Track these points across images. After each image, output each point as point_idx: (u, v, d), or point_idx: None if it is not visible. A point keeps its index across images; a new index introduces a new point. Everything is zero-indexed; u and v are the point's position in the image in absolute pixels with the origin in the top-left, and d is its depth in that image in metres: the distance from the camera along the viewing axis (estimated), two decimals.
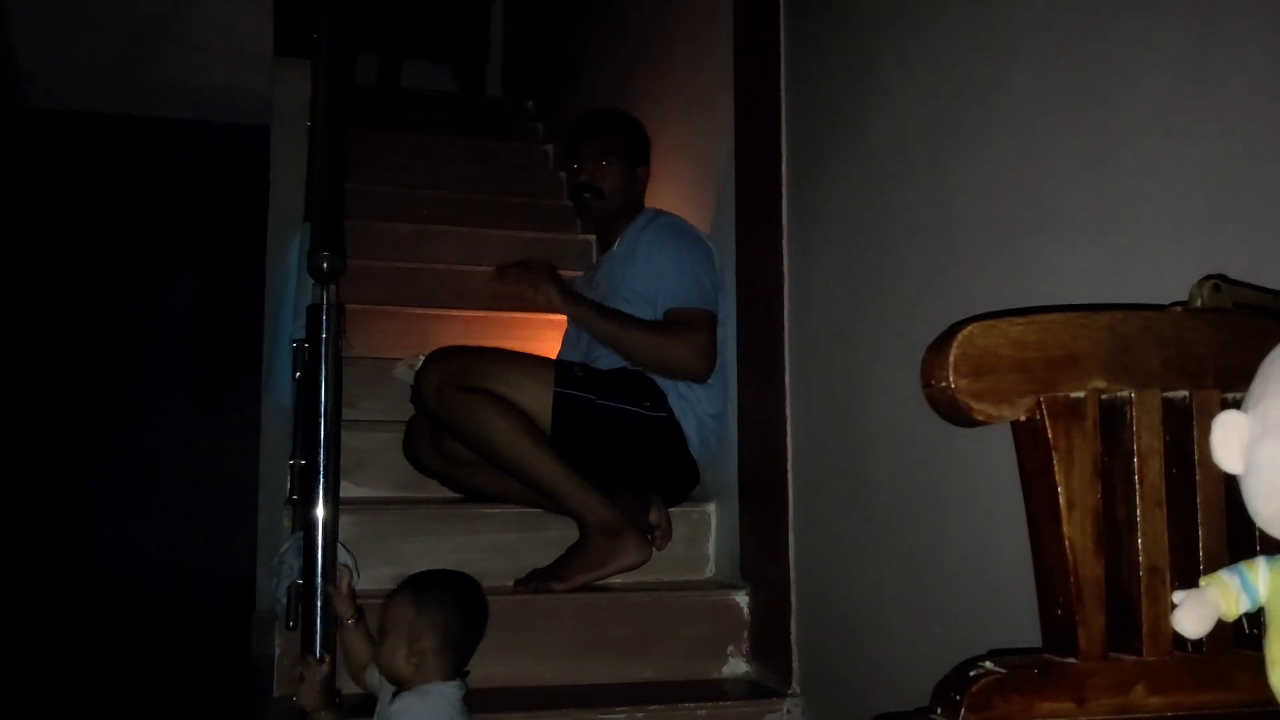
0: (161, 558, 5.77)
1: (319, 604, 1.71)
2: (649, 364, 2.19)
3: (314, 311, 1.78)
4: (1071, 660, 0.79)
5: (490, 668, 1.80)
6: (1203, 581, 0.76)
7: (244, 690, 3.08)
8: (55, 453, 5.58)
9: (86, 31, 3.96)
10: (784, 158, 2.04)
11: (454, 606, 1.62)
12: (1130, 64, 1.21)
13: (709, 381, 2.22)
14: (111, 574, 5.63)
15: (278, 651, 1.90)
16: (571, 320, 2.31)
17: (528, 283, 2.16)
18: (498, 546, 2.18)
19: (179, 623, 4.82)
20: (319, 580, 1.72)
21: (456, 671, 1.61)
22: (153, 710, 3.20)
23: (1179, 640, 0.80)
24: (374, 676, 1.68)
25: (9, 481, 4.40)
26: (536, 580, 2.07)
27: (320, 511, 1.73)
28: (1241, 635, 0.82)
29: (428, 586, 1.63)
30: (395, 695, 1.61)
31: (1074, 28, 1.30)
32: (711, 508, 2.31)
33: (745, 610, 2.10)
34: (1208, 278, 0.89)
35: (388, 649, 1.58)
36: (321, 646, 1.70)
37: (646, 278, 2.25)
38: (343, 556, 1.87)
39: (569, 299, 2.20)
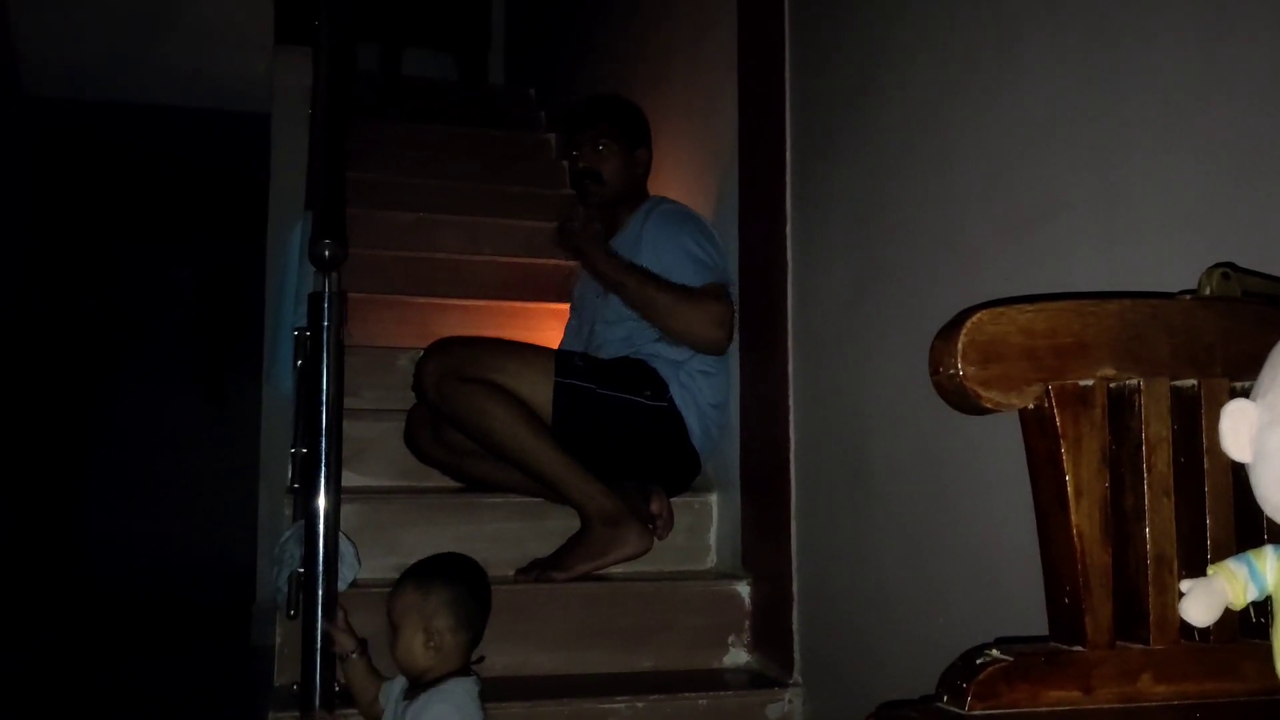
0: (161, 550, 5.77)
1: (320, 593, 1.71)
2: (672, 328, 2.19)
3: (315, 300, 1.78)
4: (1078, 649, 0.78)
5: (491, 656, 1.79)
6: (1210, 570, 0.76)
7: (245, 681, 3.09)
8: (53, 449, 5.58)
9: (86, 18, 3.96)
10: (788, 145, 2.04)
11: (457, 581, 1.62)
12: (1137, 52, 1.21)
13: (710, 371, 2.22)
14: (111, 568, 5.64)
15: (278, 641, 1.90)
16: (603, 280, 2.29)
17: (572, 250, 2.26)
18: (499, 536, 2.17)
19: (179, 615, 4.83)
20: (320, 569, 1.71)
21: (473, 647, 1.62)
22: (154, 704, 3.21)
23: (1186, 629, 0.80)
24: (385, 695, 1.67)
25: (7, 479, 4.40)
26: (538, 570, 2.07)
27: (322, 500, 1.73)
28: (1248, 624, 0.82)
29: (426, 570, 1.64)
30: (406, 692, 1.60)
31: (1081, 18, 1.29)
32: (713, 498, 2.31)
33: (747, 600, 2.10)
34: (1216, 266, 0.88)
35: (404, 642, 1.57)
36: (323, 633, 1.69)
37: (654, 267, 2.23)
38: (344, 546, 1.87)
39: (605, 260, 2.24)
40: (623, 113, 2.49)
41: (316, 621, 1.71)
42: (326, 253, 1.76)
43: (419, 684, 1.58)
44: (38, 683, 3.51)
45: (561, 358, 2.19)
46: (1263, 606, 0.77)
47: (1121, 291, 1.14)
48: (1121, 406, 0.81)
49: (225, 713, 2.96)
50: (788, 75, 2.05)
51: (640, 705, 1.86)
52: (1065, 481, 0.79)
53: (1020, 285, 1.35)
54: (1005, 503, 1.36)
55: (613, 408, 2.15)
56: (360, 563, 1.97)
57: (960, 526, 1.50)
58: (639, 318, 2.25)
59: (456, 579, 1.63)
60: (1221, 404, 0.73)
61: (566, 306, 2.63)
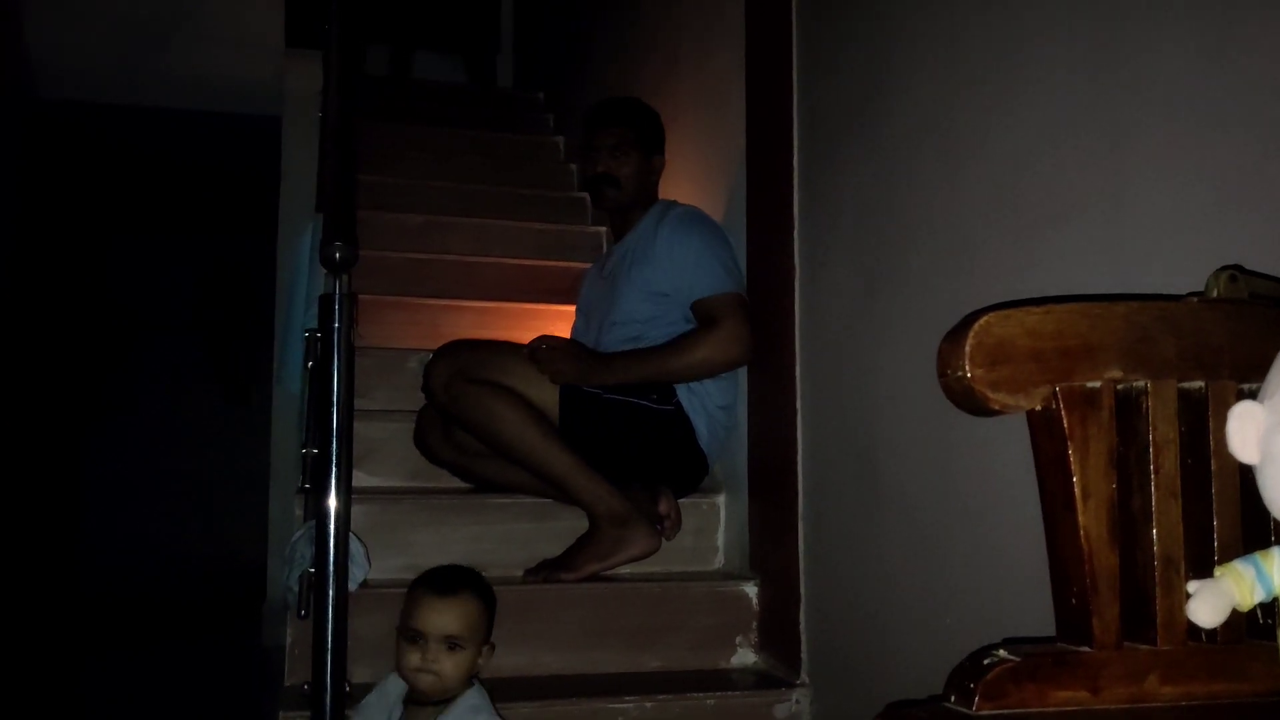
0: (172, 550, 5.79)
1: (331, 593, 1.71)
2: (693, 378, 2.17)
3: (326, 301, 1.79)
4: (1086, 649, 0.79)
5: (500, 657, 1.80)
6: (1217, 572, 0.76)
7: (256, 680, 3.10)
8: (63, 446, 5.60)
9: (98, 23, 3.98)
10: (795, 148, 2.04)
11: (493, 601, 1.64)
12: (1144, 57, 1.21)
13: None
14: (121, 567, 5.65)
15: (289, 641, 1.91)
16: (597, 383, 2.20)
17: (548, 367, 2.14)
18: (508, 537, 2.18)
19: (190, 614, 4.85)
20: (331, 569, 1.72)
21: None
22: (164, 703, 3.22)
23: (1193, 630, 0.80)
24: (379, 692, 1.64)
25: (14, 479, 4.42)
26: (546, 570, 2.08)
27: (332, 501, 1.73)
28: (1255, 626, 0.82)
29: (485, 586, 1.63)
30: (406, 699, 1.58)
31: (1088, 24, 1.30)
32: (721, 499, 2.31)
33: (754, 601, 2.11)
34: (1224, 268, 0.89)
35: (462, 659, 1.54)
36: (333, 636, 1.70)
37: (669, 274, 2.23)
38: (353, 546, 1.88)
39: (588, 373, 2.16)
40: (646, 119, 2.47)
41: (327, 621, 1.71)
42: (337, 255, 1.77)
43: (430, 700, 1.55)
44: (45, 681, 3.53)
45: None
46: (1270, 608, 0.77)
47: (1129, 294, 1.15)
48: (1129, 408, 0.82)
49: (235, 712, 2.98)
50: (795, 81, 2.05)
51: (648, 705, 1.86)
52: (1073, 483, 0.79)
53: (1028, 288, 1.35)
54: (1012, 503, 1.36)
55: (619, 411, 2.16)
56: (370, 563, 1.98)
57: (967, 527, 1.51)
58: (645, 319, 2.26)
59: (488, 587, 1.63)
60: (1229, 406, 0.73)
61: (573, 308, 2.64)
